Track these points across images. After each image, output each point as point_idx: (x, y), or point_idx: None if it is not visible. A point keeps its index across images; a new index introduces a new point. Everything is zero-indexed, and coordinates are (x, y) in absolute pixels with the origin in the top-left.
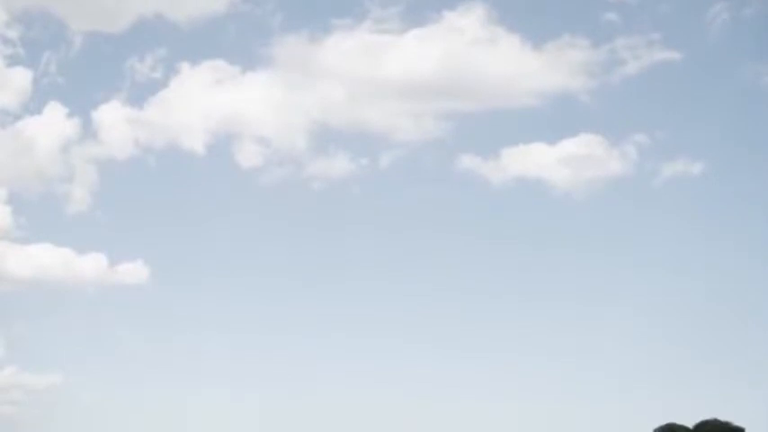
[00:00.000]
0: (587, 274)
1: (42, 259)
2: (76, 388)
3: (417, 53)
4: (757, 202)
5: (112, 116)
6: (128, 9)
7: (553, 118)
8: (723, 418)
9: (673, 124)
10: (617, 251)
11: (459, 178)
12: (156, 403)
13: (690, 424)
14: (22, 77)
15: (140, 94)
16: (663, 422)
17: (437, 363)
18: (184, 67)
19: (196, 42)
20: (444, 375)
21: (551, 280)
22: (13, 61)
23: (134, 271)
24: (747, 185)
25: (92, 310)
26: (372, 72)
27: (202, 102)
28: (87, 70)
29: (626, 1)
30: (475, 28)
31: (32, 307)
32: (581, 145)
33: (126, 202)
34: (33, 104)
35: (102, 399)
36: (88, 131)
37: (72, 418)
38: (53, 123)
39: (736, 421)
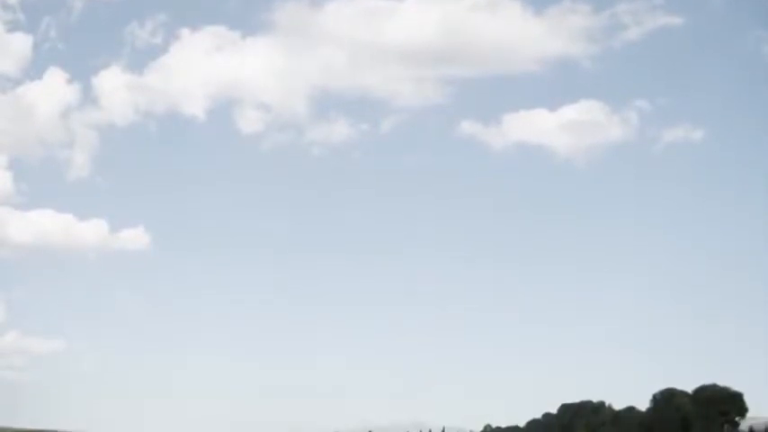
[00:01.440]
0: (588, 238)
1: (44, 225)
2: (78, 353)
3: (418, 19)
4: (757, 168)
5: (113, 82)
6: None
7: (554, 84)
8: (722, 383)
9: (674, 90)
10: (617, 216)
11: (460, 144)
12: (156, 367)
13: (689, 389)
14: (21, 43)
15: (140, 60)
16: (663, 387)
17: (438, 325)
18: (185, 32)
19: (196, 8)
20: (445, 338)
21: (552, 244)
22: (13, 27)
23: (135, 237)
24: (748, 152)
25: (93, 276)
26: (373, 38)
27: (203, 67)
28: (87, 36)
29: None
30: None
31: (34, 273)
32: (582, 111)
33: (126, 167)
34: (33, 70)
35: (103, 363)
36: (88, 97)
37: (74, 383)
38: (53, 89)
39: (735, 386)
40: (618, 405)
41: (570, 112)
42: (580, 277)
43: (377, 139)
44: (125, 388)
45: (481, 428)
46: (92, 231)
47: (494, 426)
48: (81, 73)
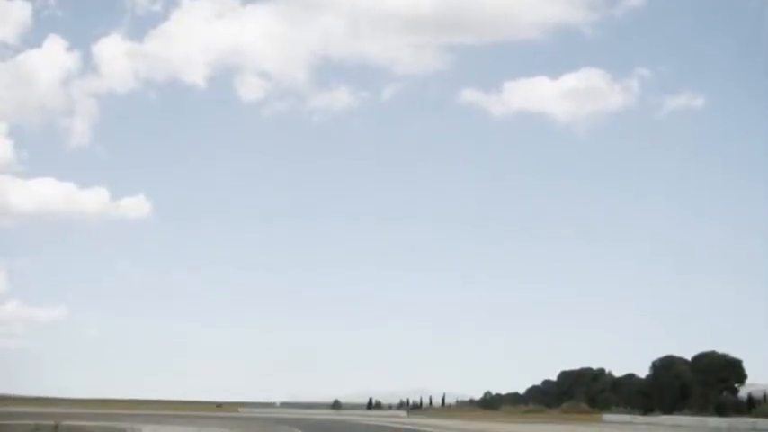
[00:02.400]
0: (588, 206)
1: (44, 194)
2: (80, 320)
3: None
4: (759, 136)
5: (113, 50)
6: None
7: (555, 51)
8: (721, 350)
9: (676, 58)
10: (618, 184)
11: (461, 112)
12: (157, 334)
13: (688, 356)
14: (21, 10)
15: (141, 28)
16: (662, 355)
17: (437, 293)
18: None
19: None
20: (445, 305)
21: (552, 212)
22: None
23: (136, 205)
24: (750, 119)
25: (94, 245)
26: (373, 5)
27: (203, 35)
28: (87, 3)
29: None
30: None
31: (35, 241)
32: (583, 79)
33: (127, 136)
34: (33, 38)
35: (105, 330)
36: (88, 65)
37: (76, 350)
38: (53, 57)
39: (734, 354)
40: (617, 372)
41: (571, 79)
42: (580, 245)
43: (377, 107)
44: (127, 355)
45: (481, 395)
46: (92, 200)
47: (493, 393)
48: (81, 41)
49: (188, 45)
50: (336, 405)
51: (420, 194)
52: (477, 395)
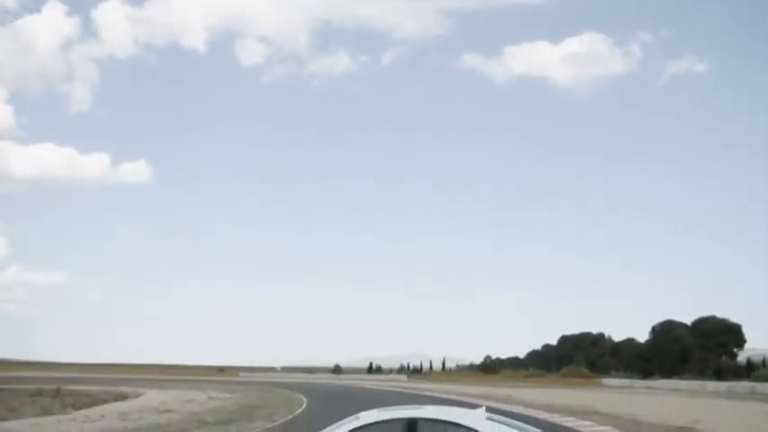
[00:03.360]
0: (589, 171)
1: (45, 159)
2: (80, 285)
3: None
4: (761, 102)
5: (112, 14)
6: None
7: (557, 16)
8: (721, 315)
9: (678, 23)
10: (619, 149)
11: (462, 76)
12: (157, 298)
13: (688, 321)
14: None
15: None
16: (662, 319)
17: (437, 257)
18: None
19: None
20: (445, 270)
21: (552, 176)
22: None
23: (136, 170)
24: (752, 84)
25: (94, 210)
26: None
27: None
28: None
29: None
30: None
31: (35, 206)
32: (584, 43)
33: (127, 101)
34: (32, 3)
35: (105, 295)
36: (88, 30)
37: (76, 316)
38: (53, 22)
39: (734, 318)
40: (617, 337)
41: (573, 44)
42: (580, 210)
43: (377, 72)
44: (128, 319)
45: (481, 360)
46: (93, 165)
47: (493, 357)
48: (80, 5)
49: (188, 9)
50: (337, 369)
51: (420, 158)
52: (478, 360)
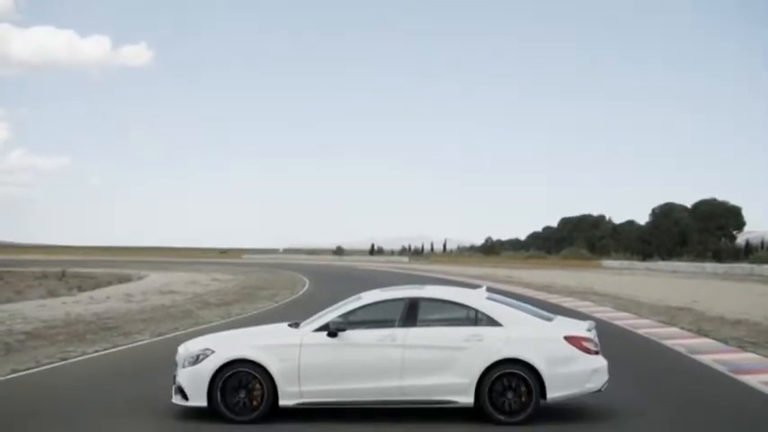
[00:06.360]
0: (588, 53)
1: (45, 42)
2: (83, 168)
3: None
4: None
5: None
6: None
7: None
8: (721, 198)
9: None
10: (617, 31)
11: None
12: (159, 180)
13: (688, 203)
14: None
15: None
16: (662, 202)
17: (439, 142)
18: None
19: None
20: (447, 155)
21: (551, 59)
22: None
23: (137, 53)
24: None
25: (96, 93)
26: None
27: None
28: None
29: None
30: None
31: (36, 90)
32: None
33: None
34: None
35: (107, 178)
36: None
37: (79, 198)
38: None
39: (734, 201)
40: (617, 219)
41: None
42: (580, 92)
43: None
44: (131, 202)
45: (482, 241)
46: (93, 48)
47: (494, 239)
48: None
49: None
50: (339, 251)
51: (418, 47)
52: (479, 241)
